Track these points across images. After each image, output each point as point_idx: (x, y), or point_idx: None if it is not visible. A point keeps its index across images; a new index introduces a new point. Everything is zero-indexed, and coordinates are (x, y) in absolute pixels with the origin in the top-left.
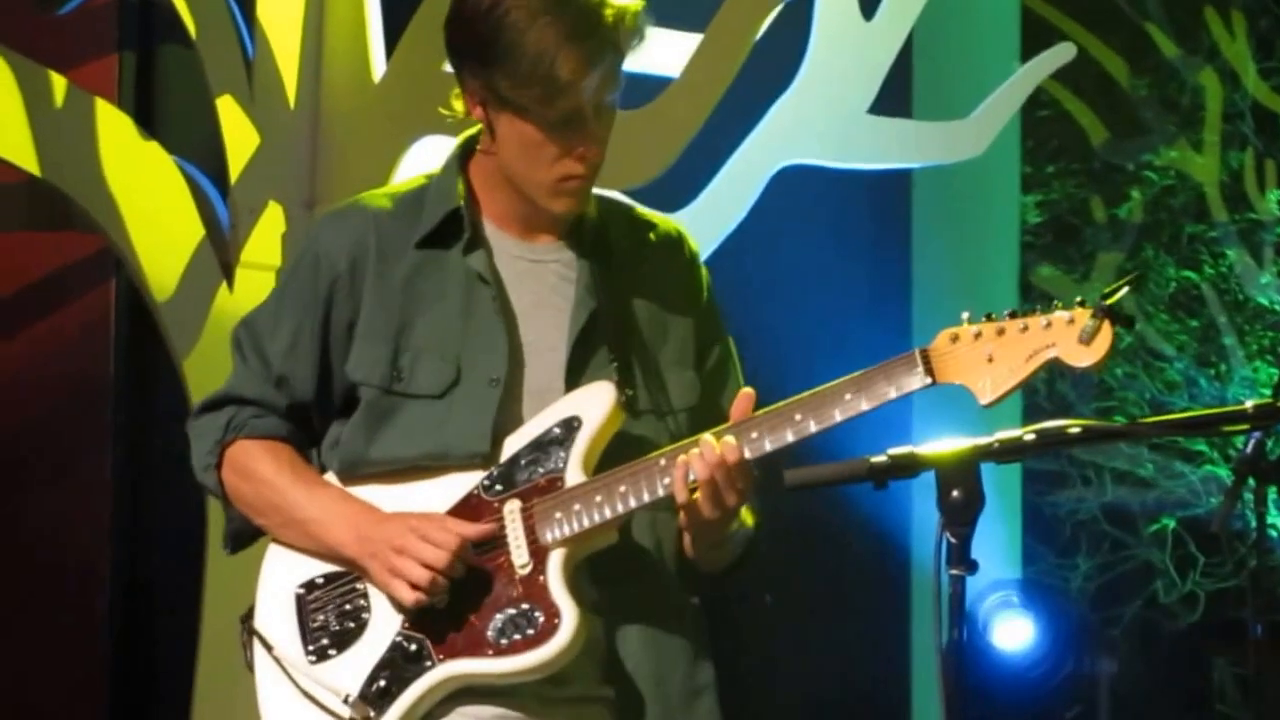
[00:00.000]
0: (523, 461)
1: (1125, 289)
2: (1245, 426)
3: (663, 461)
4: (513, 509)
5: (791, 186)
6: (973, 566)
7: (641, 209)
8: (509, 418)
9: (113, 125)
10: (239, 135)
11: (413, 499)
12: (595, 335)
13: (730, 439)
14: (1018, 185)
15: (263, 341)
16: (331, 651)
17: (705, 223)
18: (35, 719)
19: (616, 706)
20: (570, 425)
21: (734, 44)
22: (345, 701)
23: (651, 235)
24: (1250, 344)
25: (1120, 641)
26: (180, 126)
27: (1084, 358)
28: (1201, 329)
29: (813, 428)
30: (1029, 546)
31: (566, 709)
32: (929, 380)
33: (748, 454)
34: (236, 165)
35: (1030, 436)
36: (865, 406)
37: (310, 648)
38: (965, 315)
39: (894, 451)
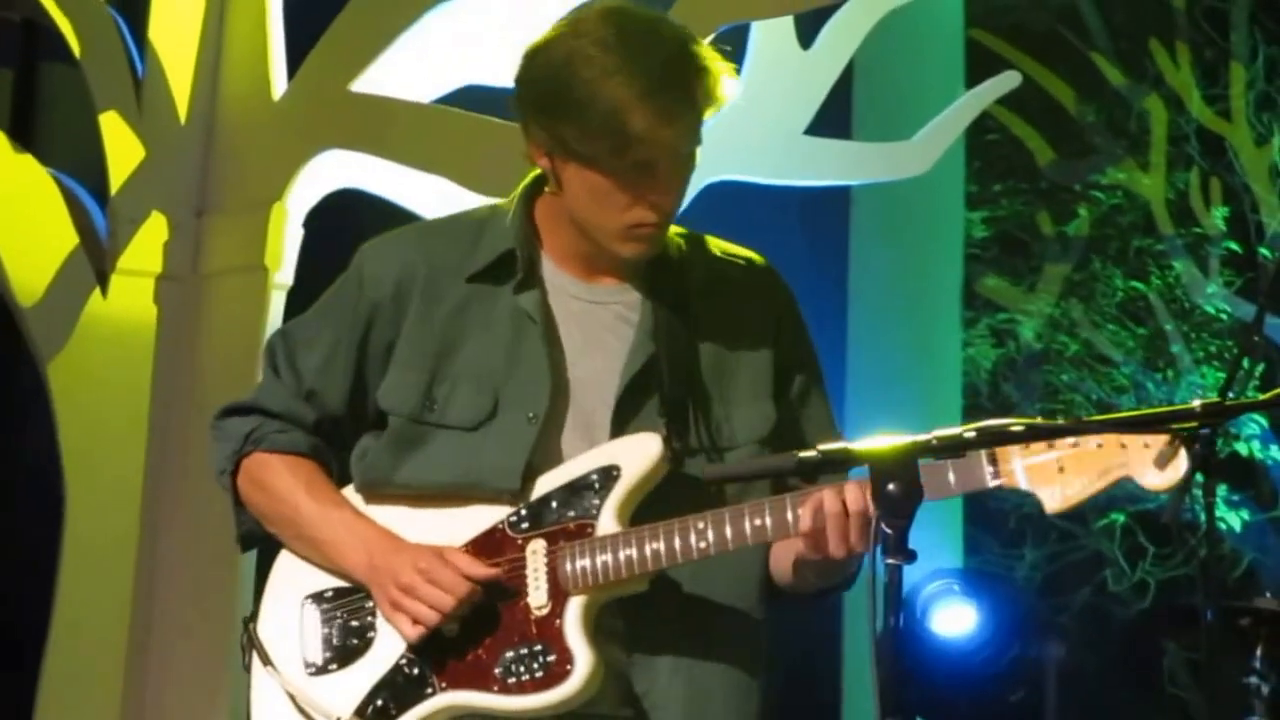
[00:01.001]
0: (554, 503)
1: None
2: (1193, 425)
3: (701, 524)
4: (536, 549)
5: (726, 199)
6: (910, 556)
7: (729, 245)
8: (546, 455)
9: None
10: (122, 149)
11: (434, 526)
12: (650, 381)
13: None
14: (961, 200)
15: (297, 355)
16: (332, 666)
17: None
18: None
19: None
20: (609, 474)
21: None
22: None
23: (734, 271)
24: (1197, 350)
25: (1069, 627)
26: (62, 141)
27: (1157, 481)
28: (1149, 336)
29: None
30: (973, 538)
31: None
32: (996, 476)
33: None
34: (118, 177)
35: (970, 434)
36: (927, 496)
37: (310, 659)
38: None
39: (825, 447)
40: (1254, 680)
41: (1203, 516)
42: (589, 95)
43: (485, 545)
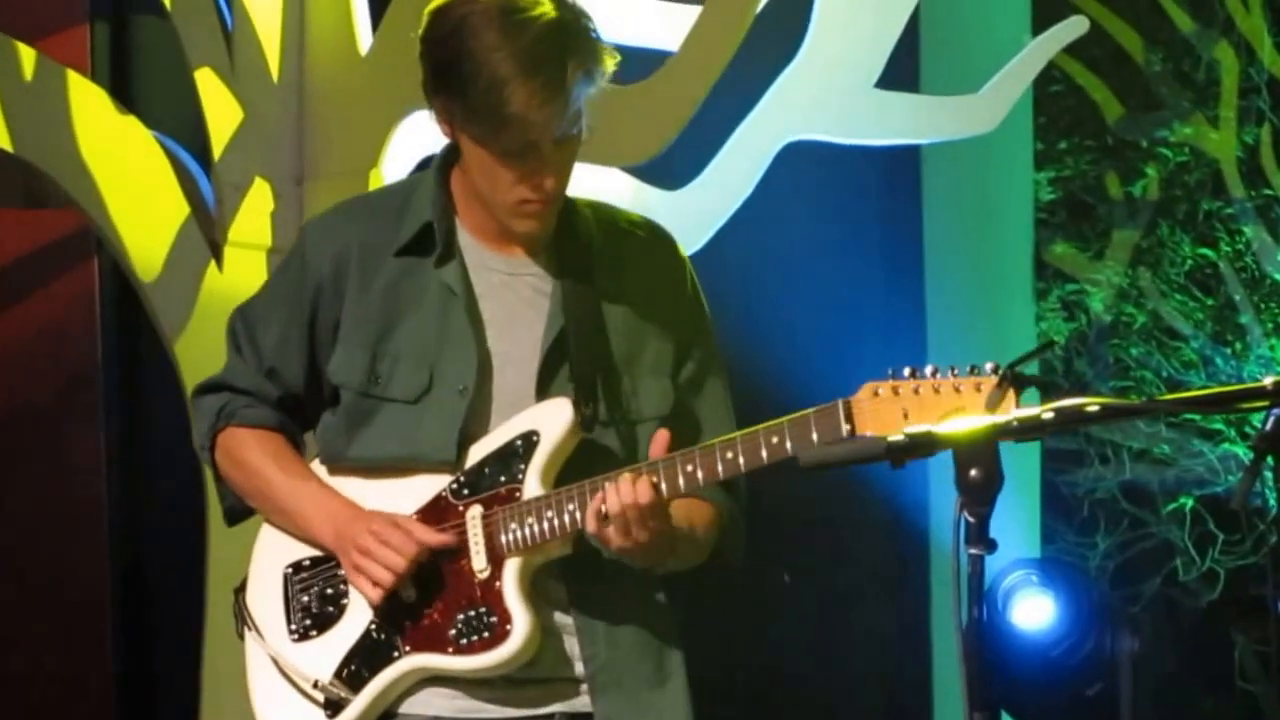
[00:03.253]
0: (486, 470)
1: (1034, 358)
2: (1264, 403)
3: (607, 485)
4: (475, 515)
5: (799, 163)
6: (991, 545)
7: (627, 213)
8: (477, 426)
9: (87, 99)
10: (220, 109)
11: (388, 496)
12: (564, 352)
13: (645, 479)
14: (1030, 162)
15: (256, 334)
16: (313, 632)
17: (709, 201)
18: (40, 703)
19: (584, 688)
20: (529, 439)
21: (734, 17)
22: (315, 686)
23: (635, 242)
24: (1267, 321)
25: (1141, 619)
26: (158, 100)
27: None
28: (1218, 307)
29: (742, 466)
30: (1048, 525)
31: (535, 689)
32: (849, 429)
33: (665, 491)
34: (219, 140)
35: (1049, 414)
36: (790, 449)
37: (293, 626)
38: (890, 370)
39: (911, 430)
40: None
41: (1273, 501)
42: (472, 71)
43: (432, 513)
